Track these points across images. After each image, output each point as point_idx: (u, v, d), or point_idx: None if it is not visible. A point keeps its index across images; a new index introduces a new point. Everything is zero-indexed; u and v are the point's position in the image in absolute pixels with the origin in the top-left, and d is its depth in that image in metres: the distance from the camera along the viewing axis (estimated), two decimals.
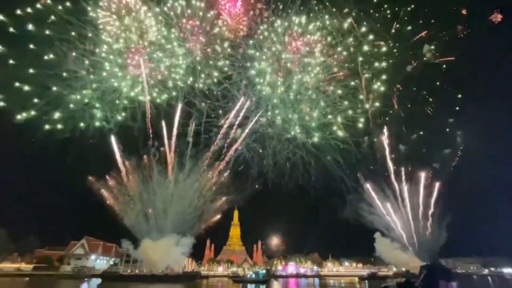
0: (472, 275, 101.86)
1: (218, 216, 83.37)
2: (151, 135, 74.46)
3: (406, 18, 67.78)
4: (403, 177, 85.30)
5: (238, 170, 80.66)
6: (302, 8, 66.70)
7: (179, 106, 75.05)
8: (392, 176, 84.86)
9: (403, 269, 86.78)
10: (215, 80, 73.50)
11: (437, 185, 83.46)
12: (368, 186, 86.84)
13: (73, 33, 62.20)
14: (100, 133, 68.91)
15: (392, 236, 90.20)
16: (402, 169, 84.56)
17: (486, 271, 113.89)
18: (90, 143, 66.13)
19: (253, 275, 75.81)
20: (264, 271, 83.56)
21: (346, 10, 66.55)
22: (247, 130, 77.96)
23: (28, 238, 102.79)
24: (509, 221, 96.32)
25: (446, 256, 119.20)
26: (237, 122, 77.02)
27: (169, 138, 76.76)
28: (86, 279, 74.30)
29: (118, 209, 74.22)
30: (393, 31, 68.80)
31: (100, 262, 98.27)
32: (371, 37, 68.44)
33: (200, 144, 77.42)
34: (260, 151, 79.84)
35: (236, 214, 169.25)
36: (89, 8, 62.11)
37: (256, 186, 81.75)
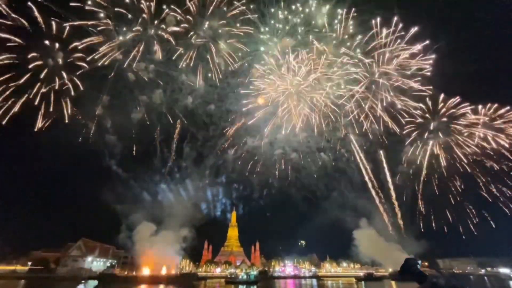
0: (469, 275, 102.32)
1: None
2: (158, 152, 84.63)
3: None
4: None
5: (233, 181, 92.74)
6: None
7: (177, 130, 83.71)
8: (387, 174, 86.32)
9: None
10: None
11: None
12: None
13: None
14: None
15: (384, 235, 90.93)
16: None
17: (482, 271, 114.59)
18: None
19: (245, 276, 77.53)
20: (255, 272, 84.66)
21: None
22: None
23: (24, 239, 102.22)
24: (504, 222, 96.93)
25: (443, 256, 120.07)
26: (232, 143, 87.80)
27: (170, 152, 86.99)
28: (82, 280, 73.89)
29: (120, 212, 78.06)
30: None
31: (97, 264, 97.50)
32: None
33: (201, 160, 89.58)
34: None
35: (233, 215, 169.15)
36: None
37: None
